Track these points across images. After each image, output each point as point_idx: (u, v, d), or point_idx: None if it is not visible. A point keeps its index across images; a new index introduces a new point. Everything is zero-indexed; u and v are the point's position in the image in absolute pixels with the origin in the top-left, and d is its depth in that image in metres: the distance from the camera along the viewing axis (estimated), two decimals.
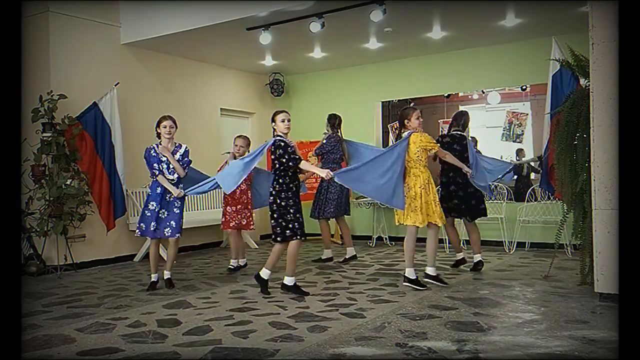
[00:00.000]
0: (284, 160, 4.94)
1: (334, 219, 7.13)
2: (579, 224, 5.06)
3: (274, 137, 5.13)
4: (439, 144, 5.56)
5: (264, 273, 5.20)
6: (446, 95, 10.78)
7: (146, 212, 5.38)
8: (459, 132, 6.14)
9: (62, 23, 6.86)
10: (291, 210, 4.98)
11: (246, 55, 8.51)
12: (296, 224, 4.98)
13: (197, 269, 6.72)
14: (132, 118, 7.55)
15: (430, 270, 5.32)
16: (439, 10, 6.61)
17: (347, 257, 7.00)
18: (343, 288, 5.33)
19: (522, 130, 10.02)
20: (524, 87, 9.79)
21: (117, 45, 7.52)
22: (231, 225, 6.31)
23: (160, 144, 5.45)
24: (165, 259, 5.83)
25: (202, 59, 8.70)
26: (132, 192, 7.47)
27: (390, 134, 9.95)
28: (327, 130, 6.94)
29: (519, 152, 10.53)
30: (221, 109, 9.22)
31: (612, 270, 4.32)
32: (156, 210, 5.37)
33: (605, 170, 4.39)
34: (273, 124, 5.16)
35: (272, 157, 5.02)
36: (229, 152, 6.39)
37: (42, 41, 6.74)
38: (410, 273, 5.21)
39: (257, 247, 8.74)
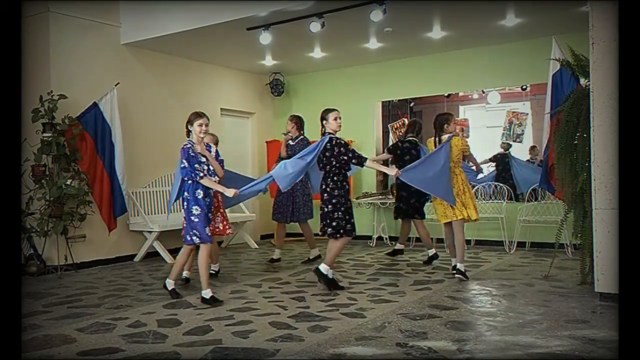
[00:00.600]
0: (345, 158, 5.08)
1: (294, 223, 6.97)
2: (579, 223, 5.06)
3: (323, 135, 5.20)
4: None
5: (324, 269, 5.24)
6: (446, 95, 10.76)
7: (193, 218, 4.76)
8: (415, 138, 6.85)
9: (62, 23, 6.86)
10: (342, 209, 5.13)
11: (246, 55, 8.51)
12: (343, 222, 5.13)
13: (197, 269, 6.68)
14: (132, 118, 7.55)
15: (461, 266, 5.66)
16: (439, 10, 6.60)
17: (310, 257, 6.91)
18: (343, 288, 5.33)
19: (522, 130, 10.00)
20: (524, 87, 9.77)
21: (117, 45, 7.51)
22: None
23: (192, 143, 4.89)
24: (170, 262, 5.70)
25: (202, 59, 8.70)
26: (132, 192, 7.47)
27: (391, 133, 9.95)
28: (291, 132, 6.76)
29: (532, 150, 10.50)
30: (221, 109, 9.21)
31: (612, 270, 4.32)
32: (203, 213, 4.79)
33: (606, 169, 4.39)
34: (324, 122, 5.21)
35: (327, 154, 5.07)
36: None
37: (42, 41, 6.74)
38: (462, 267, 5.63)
39: (257, 247, 8.74)
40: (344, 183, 5.18)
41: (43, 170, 6.40)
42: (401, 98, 9.93)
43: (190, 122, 4.94)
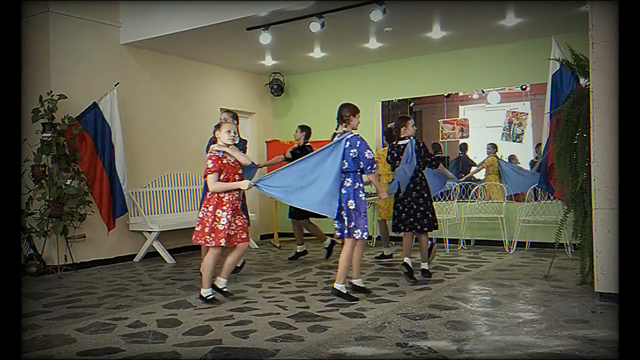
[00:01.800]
0: (428, 159, 5.71)
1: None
2: (579, 223, 5.06)
3: (402, 139, 5.69)
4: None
5: (426, 265, 5.79)
6: (446, 95, 10.77)
7: (360, 208, 5.14)
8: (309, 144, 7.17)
9: (62, 23, 6.86)
10: (432, 205, 5.74)
11: (246, 55, 8.51)
12: (435, 215, 5.73)
13: (197, 269, 6.71)
14: (132, 118, 7.55)
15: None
16: (439, 10, 6.60)
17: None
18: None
19: (522, 130, 10.01)
20: (524, 87, 9.79)
21: (117, 45, 7.52)
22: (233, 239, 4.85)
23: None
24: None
25: (202, 59, 8.70)
26: (132, 192, 7.46)
27: None
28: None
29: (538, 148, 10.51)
30: (221, 109, 9.21)
31: (612, 269, 4.32)
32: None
33: (606, 169, 4.39)
34: (403, 128, 5.71)
35: (415, 154, 5.61)
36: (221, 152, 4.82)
37: (42, 41, 6.74)
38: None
39: (257, 247, 8.74)
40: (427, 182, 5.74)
41: (43, 170, 6.40)
42: (401, 98, 9.93)
43: (354, 113, 4.89)
